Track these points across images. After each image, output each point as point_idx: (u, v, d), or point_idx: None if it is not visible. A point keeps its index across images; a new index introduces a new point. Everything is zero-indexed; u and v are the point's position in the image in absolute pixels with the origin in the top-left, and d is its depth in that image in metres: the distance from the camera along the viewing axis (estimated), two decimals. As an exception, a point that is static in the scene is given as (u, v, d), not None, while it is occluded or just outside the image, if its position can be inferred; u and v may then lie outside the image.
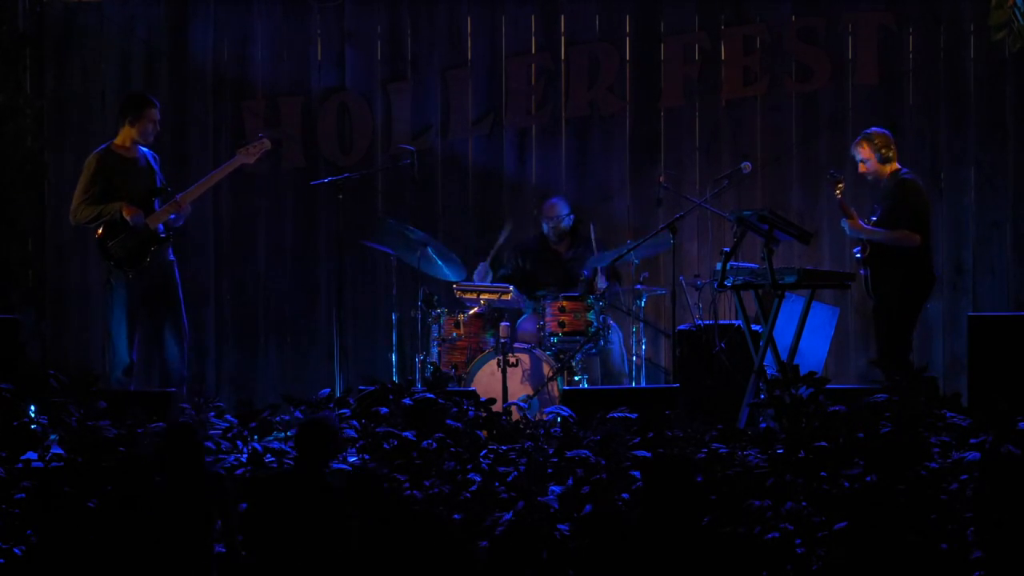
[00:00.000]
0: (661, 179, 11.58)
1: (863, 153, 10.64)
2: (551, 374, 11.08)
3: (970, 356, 10.35)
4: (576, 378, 11.10)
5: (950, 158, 12.22)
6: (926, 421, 8.59)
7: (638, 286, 11.33)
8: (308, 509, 7.26)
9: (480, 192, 12.42)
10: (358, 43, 12.44)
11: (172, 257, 10.82)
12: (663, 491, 6.83)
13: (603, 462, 8.33)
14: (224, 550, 7.40)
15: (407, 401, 9.08)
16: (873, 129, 10.74)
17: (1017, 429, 8.28)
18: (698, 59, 12.34)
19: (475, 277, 11.62)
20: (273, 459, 8.57)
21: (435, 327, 11.34)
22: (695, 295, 11.07)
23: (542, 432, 8.99)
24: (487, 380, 11.02)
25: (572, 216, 11.84)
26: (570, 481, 8.16)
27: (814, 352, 11.39)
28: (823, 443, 8.30)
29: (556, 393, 10.88)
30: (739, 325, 10.59)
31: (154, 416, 9.12)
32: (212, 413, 9.36)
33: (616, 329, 11.51)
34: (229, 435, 8.95)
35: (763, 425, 9.41)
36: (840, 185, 10.57)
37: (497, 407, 9.59)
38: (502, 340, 11.00)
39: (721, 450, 8.43)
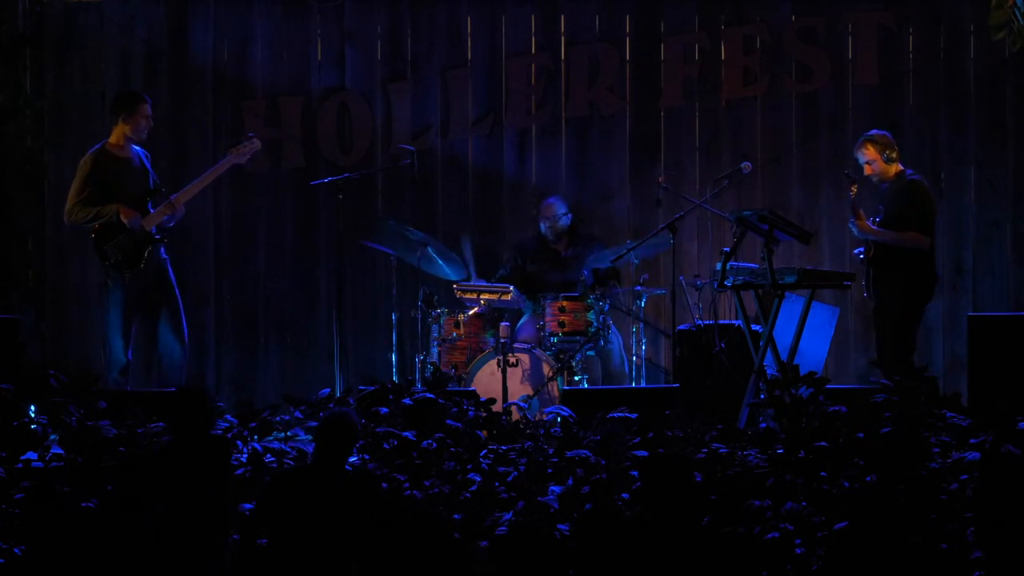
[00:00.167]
0: (661, 179, 11.58)
1: (868, 155, 10.63)
2: (551, 374, 11.08)
3: (970, 356, 10.34)
4: (576, 378, 11.09)
5: (950, 158, 12.22)
6: (926, 421, 8.59)
7: (638, 287, 11.33)
8: (328, 504, 7.25)
9: (480, 192, 12.42)
10: (358, 43, 12.44)
11: (165, 256, 10.82)
12: (662, 491, 6.82)
13: (603, 462, 8.33)
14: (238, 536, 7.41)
15: (407, 401, 9.08)
16: (874, 131, 10.73)
17: (1017, 429, 8.28)
18: (698, 59, 12.34)
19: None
20: (273, 459, 8.58)
21: (435, 327, 11.34)
22: (695, 295, 11.07)
23: (542, 432, 8.99)
24: (487, 380, 11.01)
25: (569, 215, 11.84)
26: (570, 481, 8.16)
27: (814, 352, 11.39)
28: (823, 443, 8.30)
29: (556, 393, 10.88)
30: (739, 325, 10.59)
31: (154, 416, 9.13)
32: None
33: (615, 332, 11.50)
34: (229, 435, 8.94)
35: (763, 425, 9.41)
36: (854, 187, 10.58)
37: (497, 407, 9.59)
38: (502, 340, 11.00)
39: (721, 450, 8.43)
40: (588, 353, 11.22)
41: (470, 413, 9.15)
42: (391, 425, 8.87)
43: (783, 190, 12.31)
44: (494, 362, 11.07)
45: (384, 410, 9.05)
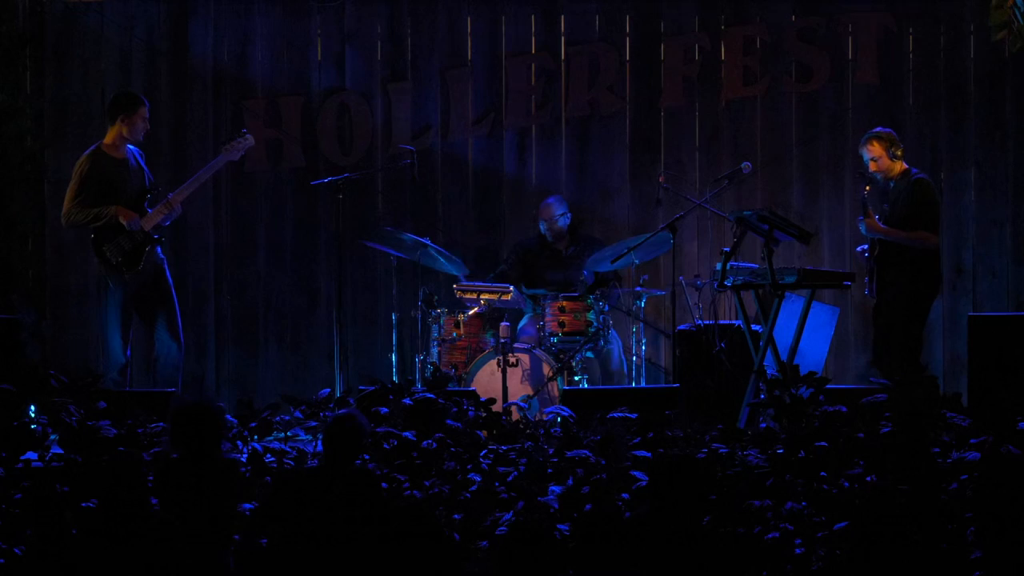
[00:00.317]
0: (661, 179, 11.58)
1: (874, 152, 10.62)
2: (551, 374, 11.08)
3: (970, 356, 10.34)
4: (576, 378, 11.10)
5: (950, 158, 12.22)
6: (926, 421, 8.59)
7: (638, 287, 11.33)
8: (332, 504, 7.23)
9: (480, 192, 12.42)
10: (358, 43, 12.44)
11: (162, 255, 10.82)
12: (671, 491, 6.82)
13: (603, 462, 8.33)
14: (238, 537, 7.39)
15: (407, 401, 9.08)
16: (879, 128, 10.74)
17: (1017, 429, 8.28)
18: (698, 59, 12.34)
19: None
20: (273, 459, 8.58)
21: (435, 327, 11.34)
22: (695, 295, 11.07)
23: (542, 432, 8.99)
24: (487, 380, 11.01)
25: (568, 215, 11.84)
26: (570, 481, 8.16)
27: (814, 352, 11.39)
28: (823, 443, 8.30)
29: (556, 393, 10.88)
30: (739, 325, 10.59)
31: (154, 416, 9.13)
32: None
33: (615, 335, 11.50)
34: (229, 435, 8.94)
35: (763, 425, 9.41)
36: (868, 187, 10.59)
37: (497, 407, 9.59)
38: (502, 340, 11.00)
39: (721, 450, 8.43)
40: (587, 354, 11.22)
41: (470, 413, 9.15)
42: (391, 425, 8.87)
43: (783, 190, 12.31)
44: (494, 362, 11.07)
45: (384, 410, 9.05)
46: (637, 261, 11.28)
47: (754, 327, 10.54)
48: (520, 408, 10.27)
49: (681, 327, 10.89)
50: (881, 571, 7.05)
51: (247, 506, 7.95)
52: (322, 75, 12.45)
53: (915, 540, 7.15)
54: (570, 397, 9.78)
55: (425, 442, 8.65)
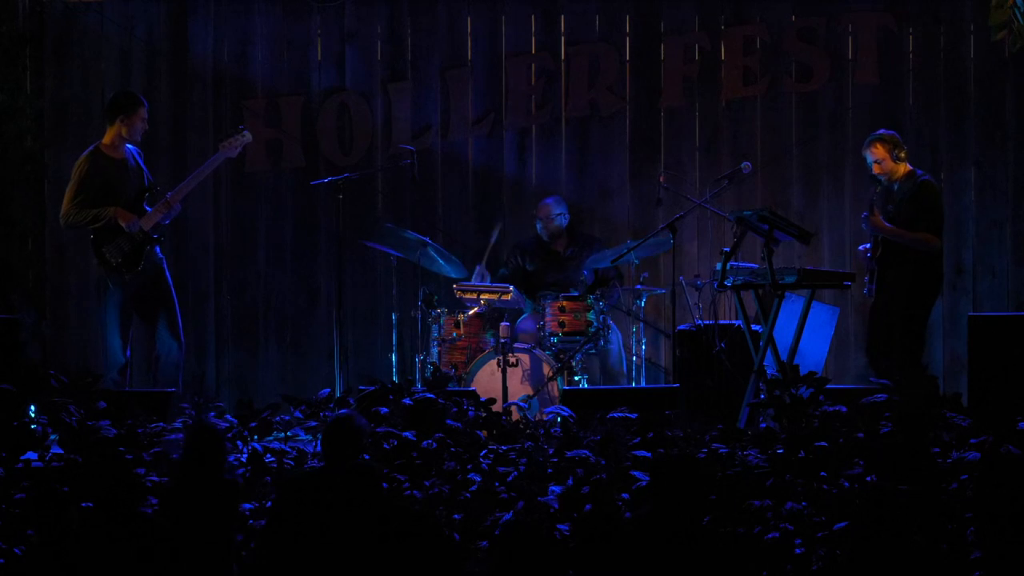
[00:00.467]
0: (661, 179, 11.58)
1: (878, 154, 10.61)
2: (551, 374, 11.07)
3: (970, 356, 10.34)
4: (576, 378, 11.09)
5: (950, 158, 12.22)
6: (926, 421, 8.59)
7: (638, 286, 11.33)
8: (336, 506, 7.23)
9: (480, 192, 12.43)
10: (358, 43, 12.44)
11: (161, 255, 10.82)
12: (673, 491, 6.81)
13: (603, 462, 8.33)
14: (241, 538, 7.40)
15: (407, 401, 9.08)
16: (883, 131, 10.72)
17: (1017, 429, 8.28)
18: (698, 59, 12.34)
19: (474, 279, 11.64)
20: (273, 459, 8.57)
21: (435, 327, 11.34)
22: (695, 295, 11.07)
23: (542, 432, 8.99)
24: (487, 380, 11.01)
25: (566, 215, 11.83)
26: (570, 481, 8.16)
27: (814, 352, 11.39)
28: (823, 443, 8.30)
29: (556, 393, 10.87)
30: (739, 325, 10.59)
31: (154, 416, 9.13)
32: (212, 413, 9.36)
33: (615, 330, 11.51)
34: (229, 435, 8.94)
35: (763, 425, 9.41)
36: (879, 188, 10.60)
37: (497, 407, 9.59)
38: (502, 340, 11.00)
39: (721, 450, 8.43)
40: (589, 352, 11.22)
41: (470, 413, 9.15)
42: (391, 425, 8.87)
43: (783, 190, 12.31)
44: (494, 362, 11.07)
45: (384, 410, 9.05)
46: (636, 260, 11.28)
47: (754, 327, 10.54)
48: (520, 408, 10.27)
49: (681, 327, 10.88)
50: (881, 571, 7.05)
51: (247, 506, 7.95)
52: (322, 75, 12.45)
53: (915, 540, 7.15)
54: (570, 397, 9.78)
55: (425, 442, 8.65)
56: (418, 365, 11.35)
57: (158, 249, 10.78)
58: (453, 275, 11.61)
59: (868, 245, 10.65)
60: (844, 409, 8.64)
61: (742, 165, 11.11)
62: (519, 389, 11.04)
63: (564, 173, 12.38)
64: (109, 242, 10.64)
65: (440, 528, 7.37)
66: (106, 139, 10.77)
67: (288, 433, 9.20)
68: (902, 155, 10.61)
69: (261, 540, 7.47)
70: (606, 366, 11.49)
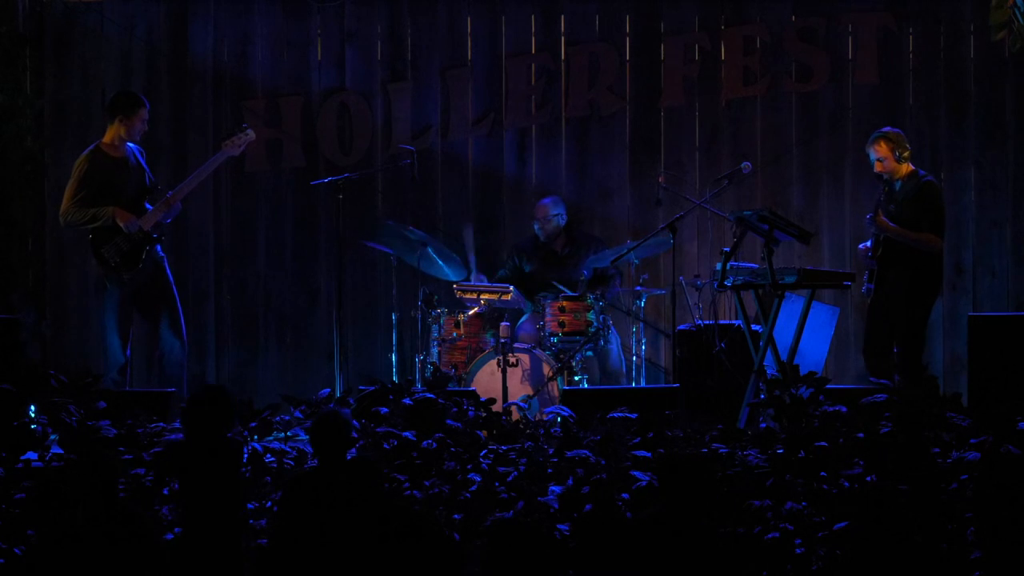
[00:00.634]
0: (661, 179, 11.58)
1: (880, 152, 10.61)
2: (551, 374, 11.07)
3: (970, 356, 10.34)
4: (576, 378, 11.09)
5: (950, 158, 12.22)
6: (926, 421, 8.59)
7: (638, 287, 11.33)
8: (339, 501, 7.23)
9: (480, 192, 12.42)
10: (358, 43, 12.44)
11: (162, 254, 10.82)
12: (685, 491, 6.81)
13: (603, 462, 8.33)
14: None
15: (407, 401, 9.07)
16: (888, 128, 10.73)
17: (1017, 429, 8.28)
18: (698, 59, 12.33)
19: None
20: (273, 459, 8.57)
21: (435, 327, 11.34)
22: (695, 295, 11.07)
23: (542, 432, 8.99)
24: (487, 380, 11.01)
25: (563, 215, 11.82)
26: (570, 481, 8.16)
27: (814, 352, 11.39)
28: (823, 443, 8.30)
29: (556, 393, 10.87)
30: (739, 325, 10.59)
31: (154, 416, 9.13)
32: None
33: (615, 332, 11.50)
34: (229, 435, 8.93)
35: (763, 425, 9.41)
36: (887, 188, 10.60)
37: (497, 407, 9.59)
38: (502, 340, 11.00)
39: (721, 450, 8.43)
40: (587, 354, 11.22)
41: (470, 413, 9.15)
42: (391, 425, 8.87)
43: (783, 190, 12.31)
44: (494, 362, 11.07)
45: (384, 410, 9.05)
46: (636, 260, 11.28)
47: (754, 327, 10.53)
48: (520, 408, 10.27)
49: (681, 327, 10.88)
50: (881, 571, 7.05)
51: (248, 506, 7.95)
52: (322, 75, 12.45)
53: (915, 540, 7.15)
54: (570, 397, 9.77)
55: (425, 442, 8.65)
56: (418, 365, 11.35)
57: (159, 248, 10.78)
58: (453, 275, 11.61)
59: (868, 244, 10.65)
60: (844, 409, 8.64)
61: (742, 165, 11.11)
62: (519, 389, 11.04)
63: (564, 173, 12.38)
64: (108, 242, 10.64)
65: (440, 528, 7.36)
66: (106, 138, 10.77)
67: (288, 433, 9.20)
68: (905, 155, 10.61)
69: (269, 539, 7.47)
70: (606, 367, 11.49)
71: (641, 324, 11.42)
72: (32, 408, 9.08)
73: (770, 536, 7.55)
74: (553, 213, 11.79)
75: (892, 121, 11.50)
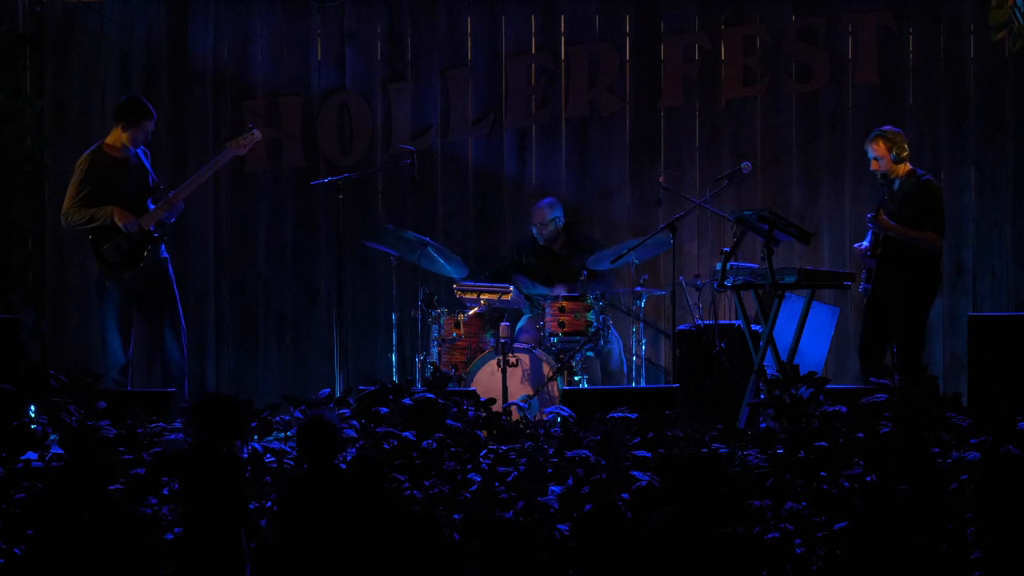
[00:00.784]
0: (661, 179, 11.58)
1: (878, 151, 10.61)
2: (551, 374, 11.07)
3: (970, 356, 10.34)
4: (576, 378, 11.09)
5: (950, 158, 12.22)
6: (926, 421, 8.59)
7: (638, 287, 11.33)
8: (339, 506, 7.22)
9: (480, 192, 12.43)
10: (358, 43, 12.44)
11: (165, 254, 10.82)
12: (683, 490, 6.80)
13: (603, 462, 8.33)
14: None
15: (407, 401, 9.07)
16: (887, 127, 10.73)
17: (1017, 429, 8.27)
18: (698, 59, 12.34)
19: None
20: (273, 459, 8.57)
21: (435, 327, 11.34)
22: (695, 295, 11.07)
23: (542, 432, 8.98)
24: (487, 380, 11.02)
25: (561, 217, 11.82)
26: (570, 481, 8.16)
27: (814, 352, 11.39)
28: (823, 443, 8.30)
29: (556, 393, 10.88)
30: (739, 325, 10.59)
31: (154, 416, 9.12)
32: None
33: (615, 334, 11.50)
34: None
35: (763, 425, 9.40)
36: (887, 188, 10.61)
37: (497, 407, 9.58)
38: (502, 340, 11.00)
39: (721, 450, 8.42)
40: (587, 354, 11.22)
41: (470, 413, 9.14)
42: (391, 425, 8.86)
43: (783, 190, 12.31)
44: (494, 362, 11.07)
45: (384, 410, 9.04)
46: (637, 260, 11.28)
47: (754, 327, 10.54)
48: (520, 408, 10.27)
49: (681, 327, 10.88)
50: (881, 571, 7.05)
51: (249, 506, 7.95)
52: (322, 75, 12.45)
53: (915, 540, 7.15)
54: (570, 397, 9.77)
55: (425, 442, 8.64)
56: (418, 365, 11.36)
57: (163, 248, 10.78)
58: (453, 275, 11.61)
59: (866, 243, 10.65)
60: (844, 409, 8.64)
61: (742, 165, 11.11)
62: (519, 389, 11.04)
63: (564, 173, 12.38)
64: (108, 241, 10.64)
65: (440, 528, 7.37)
66: (109, 139, 10.78)
67: (288, 433, 9.20)
68: (903, 155, 10.61)
69: (269, 539, 7.47)
70: (608, 368, 11.49)
71: (641, 324, 11.43)
72: (32, 408, 9.08)
73: (770, 536, 7.54)
74: (550, 216, 11.78)
75: (892, 121, 11.50)
